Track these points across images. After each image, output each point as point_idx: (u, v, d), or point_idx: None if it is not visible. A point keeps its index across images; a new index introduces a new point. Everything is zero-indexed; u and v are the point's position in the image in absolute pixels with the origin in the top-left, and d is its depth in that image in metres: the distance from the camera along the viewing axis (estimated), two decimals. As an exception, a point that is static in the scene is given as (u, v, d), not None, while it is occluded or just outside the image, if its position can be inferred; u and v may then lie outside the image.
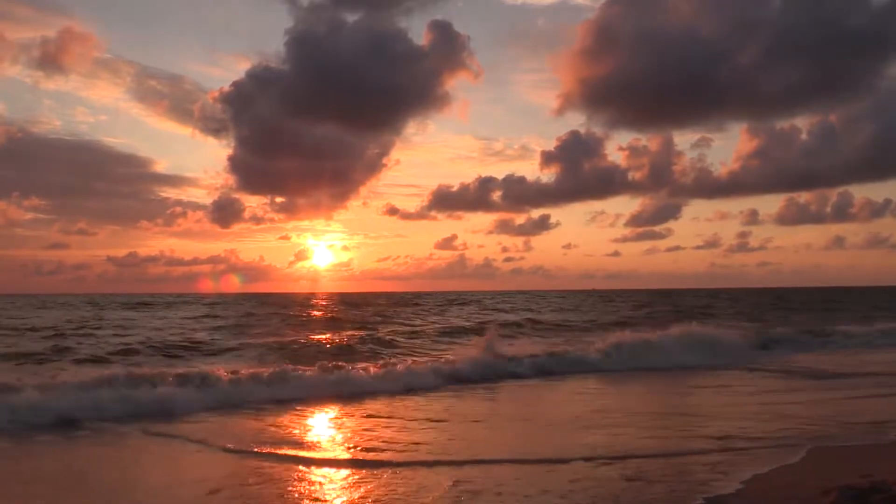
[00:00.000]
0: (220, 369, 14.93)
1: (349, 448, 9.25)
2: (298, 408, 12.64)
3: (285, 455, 8.85)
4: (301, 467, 8.24)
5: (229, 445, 9.43)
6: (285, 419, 11.57)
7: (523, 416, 12.29)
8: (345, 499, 6.90)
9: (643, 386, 16.11)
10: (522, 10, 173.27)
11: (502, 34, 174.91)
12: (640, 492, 6.87)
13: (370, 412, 12.17)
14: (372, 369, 16.14)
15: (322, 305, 64.83)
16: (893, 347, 23.79)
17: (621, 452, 8.60)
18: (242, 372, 14.73)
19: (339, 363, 16.37)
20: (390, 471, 7.91)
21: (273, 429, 10.71)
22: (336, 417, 11.93)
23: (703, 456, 8.41)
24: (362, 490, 7.14)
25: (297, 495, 7.00)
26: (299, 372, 15.16)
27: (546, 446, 9.36)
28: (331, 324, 36.15)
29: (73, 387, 12.34)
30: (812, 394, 13.75)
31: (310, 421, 11.65)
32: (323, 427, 11.23)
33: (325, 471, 8.05)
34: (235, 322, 35.98)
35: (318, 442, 9.95)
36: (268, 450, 9.13)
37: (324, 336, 26.73)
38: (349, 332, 28.44)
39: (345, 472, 8.00)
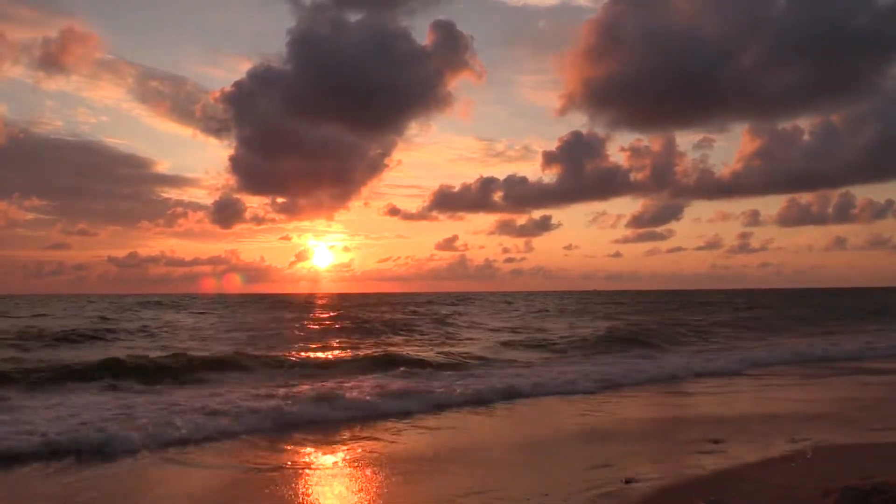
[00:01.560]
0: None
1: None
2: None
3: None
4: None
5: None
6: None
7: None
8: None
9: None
10: (524, 12, 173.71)
11: (504, 35, 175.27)
12: (640, 493, 6.85)
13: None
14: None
15: (367, 307, 62.82)
16: None
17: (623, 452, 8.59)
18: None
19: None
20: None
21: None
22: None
23: (704, 456, 8.40)
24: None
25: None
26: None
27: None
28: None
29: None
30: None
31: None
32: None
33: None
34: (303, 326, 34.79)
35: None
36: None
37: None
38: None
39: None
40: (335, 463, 8.46)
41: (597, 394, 14.00)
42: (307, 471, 8.05)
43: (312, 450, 9.20)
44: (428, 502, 6.80)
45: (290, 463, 8.43)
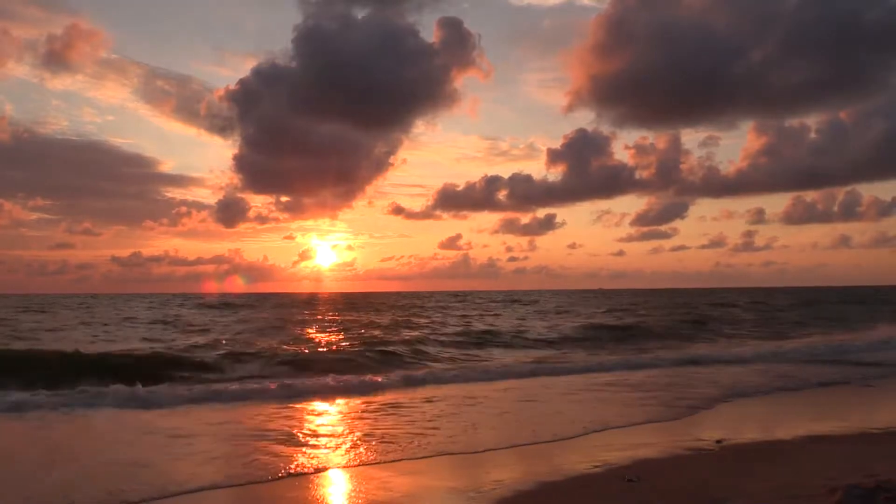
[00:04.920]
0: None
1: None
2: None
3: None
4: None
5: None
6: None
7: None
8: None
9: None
10: (528, 11, 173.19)
11: (508, 34, 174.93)
12: (642, 493, 6.80)
13: None
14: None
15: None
16: None
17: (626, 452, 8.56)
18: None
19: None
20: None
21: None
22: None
23: (706, 455, 8.35)
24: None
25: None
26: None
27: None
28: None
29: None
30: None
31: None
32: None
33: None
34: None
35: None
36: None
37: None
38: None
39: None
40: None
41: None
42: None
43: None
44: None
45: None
